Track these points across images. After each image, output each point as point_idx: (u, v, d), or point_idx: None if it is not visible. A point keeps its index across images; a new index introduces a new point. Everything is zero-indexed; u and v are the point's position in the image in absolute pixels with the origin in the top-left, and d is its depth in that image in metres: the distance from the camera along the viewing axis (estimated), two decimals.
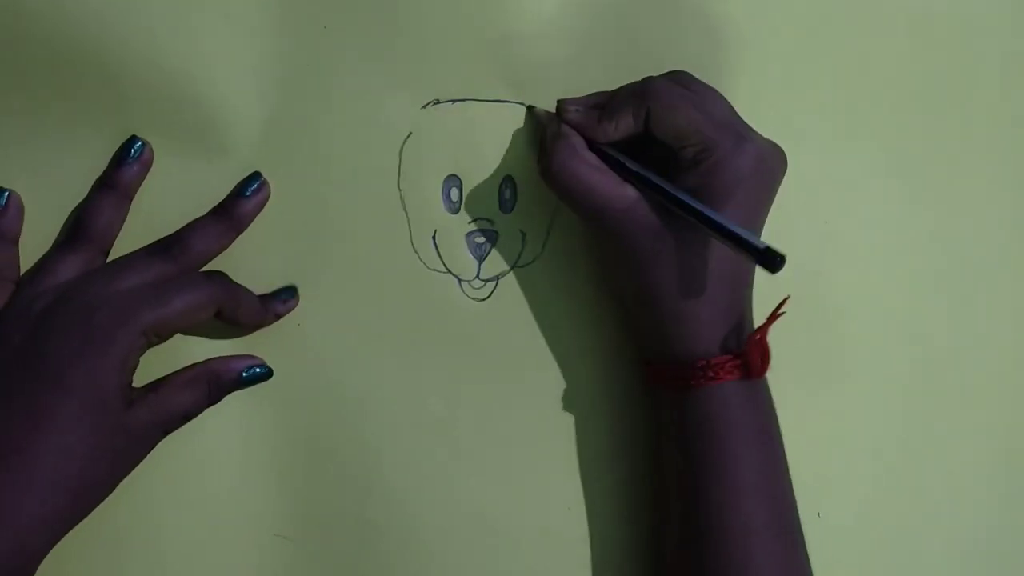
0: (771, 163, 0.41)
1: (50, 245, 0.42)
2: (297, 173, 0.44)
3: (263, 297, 0.43)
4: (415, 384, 0.44)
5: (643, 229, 0.40)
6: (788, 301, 0.40)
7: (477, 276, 0.45)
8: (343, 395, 0.44)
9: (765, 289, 0.42)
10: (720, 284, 0.40)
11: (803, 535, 0.41)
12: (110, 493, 0.40)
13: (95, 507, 0.40)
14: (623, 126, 0.41)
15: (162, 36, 0.42)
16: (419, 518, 0.44)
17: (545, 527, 0.45)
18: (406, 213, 0.44)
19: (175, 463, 0.43)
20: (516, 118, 0.44)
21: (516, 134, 0.44)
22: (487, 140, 0.44)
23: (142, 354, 0.40)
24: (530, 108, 0.44)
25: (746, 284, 0.41)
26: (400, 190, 0.44)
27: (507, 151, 0.44)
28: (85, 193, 0.43)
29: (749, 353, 0.39)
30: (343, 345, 0.44)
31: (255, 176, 0.43)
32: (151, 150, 0.43)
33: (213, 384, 0.42)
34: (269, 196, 0.43)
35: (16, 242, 0.42)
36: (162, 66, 0.43)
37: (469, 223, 0.45)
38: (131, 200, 0.43)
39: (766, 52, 0.45)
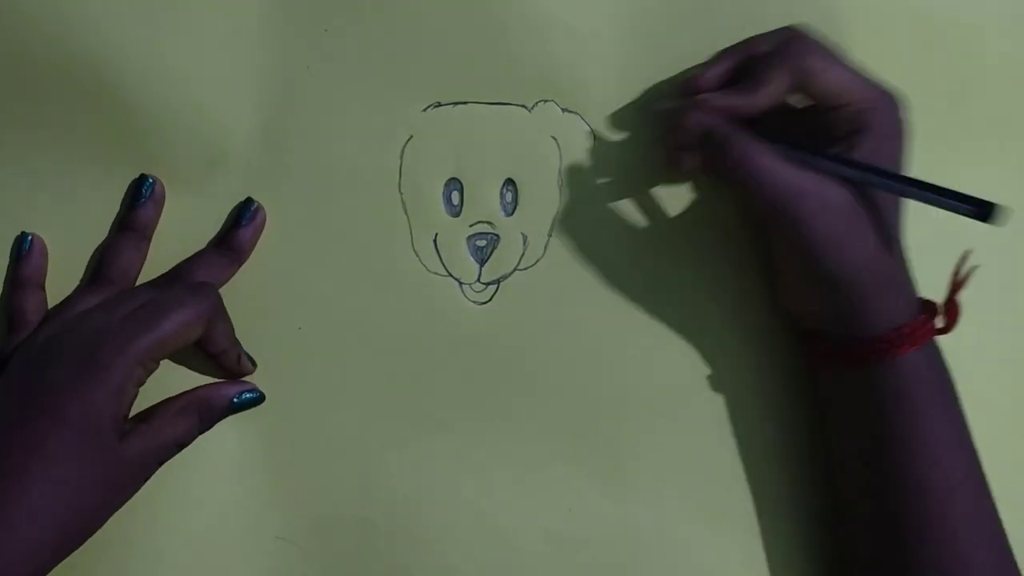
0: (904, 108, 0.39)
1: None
2: (298, 176, 0.44)
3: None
4: (416, 387, 0.44)
5: (841, 220, 0.38)
6: (970, 255, 0.39)
7: (478, 279, 0.45)
8: (344, 398, 0.44)
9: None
10: (901, 254, 0.39)
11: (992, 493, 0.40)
12: (102, 525, 0.39)
13: (86, 539, 0.39)
14: (775, 92, 0.38)
15: (162, 40, 0.43)
16: (420, 521, 0.44)
17: (545, 528, 0.45)
18: (407, 216, 0.44)
19: (175, 466, 0.42)
20: (517, 121, 0.44)
21: (517, 137, 0.44)
22: (488, 143, 0.44)
23: (141, 384, 0.40)
24: (655, 106, 0.43)
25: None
26: (401, 193, 0.44)
27: (508, 154, 0.44)
28: (97, 231, 0.44)
29: (951, 311, 0.38)
30: (344, 348, 0.44)
31: (249, 203, 0.43)
32: (162, 186, 0.43)
33: (204, 412, 0.42)
34: (265, 219, 0.43)
35: (42, 286, 0.43)
36: (163, 69, 0.43)
37: (470, 226, 0.45)
38: (150, 240, 0.43)
39: None
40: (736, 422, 0.45)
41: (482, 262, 0.45)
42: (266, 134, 0.43)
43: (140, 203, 0.43)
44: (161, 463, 0.41)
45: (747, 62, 0.40)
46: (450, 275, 0.45)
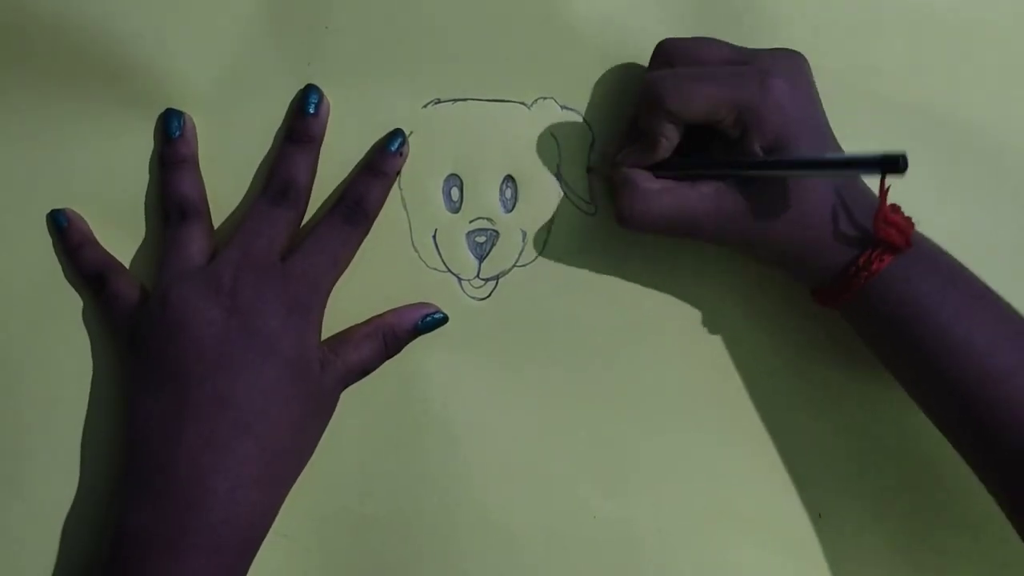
0: (795, 71, 0.40)
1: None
2: None
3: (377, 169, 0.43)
4: (415, 382, 0.45)
5: (736, 213, 0.39)
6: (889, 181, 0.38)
7: (477, 275, 0.45)
8: (344, 395, 0.44)
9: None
10: (821, 202, 0.39)
11: None
12: (309, 458, 0.42)
13: (301, 472, 0.42)
14: (671, 136, 0.40)
15: (162, 38, 0.43)
16: (420, 518, 0.44)
17: (548, 527, 0.45)
18: (407, 212, 0.44)
19: None
20: (516, 117, 0.44)
21: (517, 133, 0.44)
22: (488, 139, 0.44)
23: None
24: (589, 169, 0.45)
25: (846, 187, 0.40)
26: (401, 189, 0.44)
27: (508, 150, 0.45)
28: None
29: (882, 236, 0.38)
30: None
31: (311, 90, 0.43)
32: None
33: (390, 337, 0.43)
34: (330, 107, 0.44)
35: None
36: (161, 68, 0.43)
37: (470, 222, 0.45)
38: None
39: None
40: (737, 419, 0.45)
41: (481, 258, 0.45)
42: (266, 131, 0.44)
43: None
44: (345, 387, 0.43)
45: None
46: (449, 271, 0.45)
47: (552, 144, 0.45)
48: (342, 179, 0.44)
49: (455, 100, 0.44)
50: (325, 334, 0.43)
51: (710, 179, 0.40)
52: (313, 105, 0.43)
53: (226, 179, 0.44)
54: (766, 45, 0.41)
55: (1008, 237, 0.47)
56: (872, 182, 0.40)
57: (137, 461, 0.39)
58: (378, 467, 0.44)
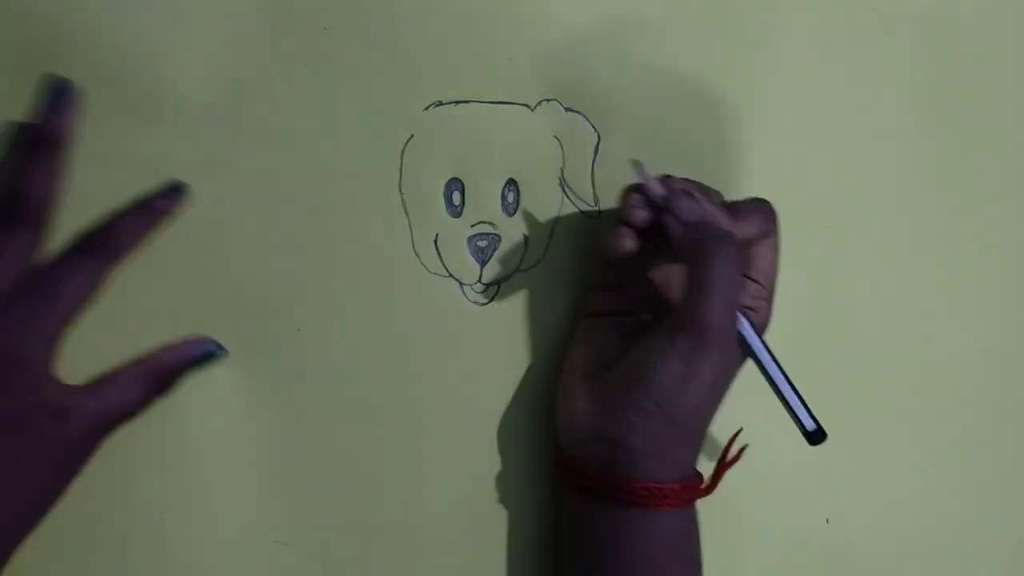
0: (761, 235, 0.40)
1: None
2: (298, 176, 0.43)
3: (144, 204, 0.39)
4: (416, 389, 0.44)
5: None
6: (739, 434, 0.41)
7: (479, 280, 0.44)
8: (343, 400, 0.43)
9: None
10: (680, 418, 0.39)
11: None
12: (52, 508, 0.38)
13: (37, 526, 0.38)
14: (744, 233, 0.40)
15: (158, 36, 0.42)
16: (420, 522, 0.44)
17: (545, 529, 0.45)
18: (407, 216, 0.44)
19: (172, 469, 0.42)
20: (519, 120, 0.44)
21: (519, 136, 0.44)
22: (490, 143, 0.44)
23: (57, 356, 0.37)
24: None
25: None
26: (402, 193, 0.44)
27: (510, 153, 0.44)
28: None
29: (711, 487, 0.40)
30: (343, 349, 0.44)
31: (61, 84, 0.38)
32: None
33: (162, 376, 0.39)
34: (77, 106, 0.38)
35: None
36: (158, 69, 0.42)
37: (471, 226, 0.44)
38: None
39: (776, 51, 0.45)
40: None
41: (483, 263, 0.44)
42: (265, 133, 0.43)
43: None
44: (106, 435, 0.38)
45: None
46: (451, 275, 0.44)
47: (556, 147, 0.44)
48: (346, 187, 0.43)
49: (457, 102, 0.44)
50: (324, 335, 0.43)
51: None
52: (62, 102, 0.38)
53: (227, 184, 0.43)
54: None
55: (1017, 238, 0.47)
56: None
57: None
58: (377, 472, 0.44)
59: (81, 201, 0.43)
